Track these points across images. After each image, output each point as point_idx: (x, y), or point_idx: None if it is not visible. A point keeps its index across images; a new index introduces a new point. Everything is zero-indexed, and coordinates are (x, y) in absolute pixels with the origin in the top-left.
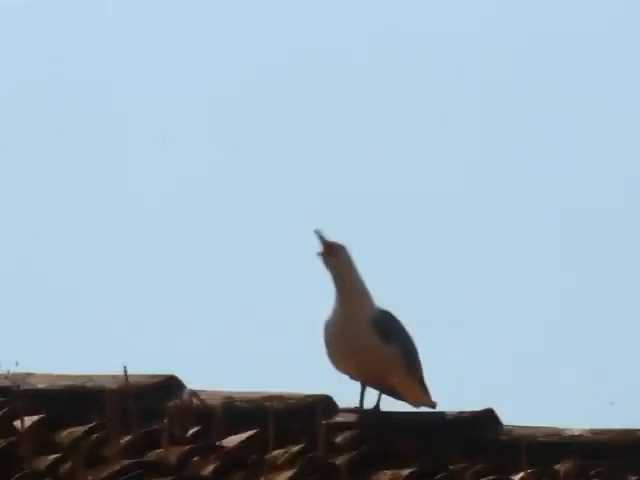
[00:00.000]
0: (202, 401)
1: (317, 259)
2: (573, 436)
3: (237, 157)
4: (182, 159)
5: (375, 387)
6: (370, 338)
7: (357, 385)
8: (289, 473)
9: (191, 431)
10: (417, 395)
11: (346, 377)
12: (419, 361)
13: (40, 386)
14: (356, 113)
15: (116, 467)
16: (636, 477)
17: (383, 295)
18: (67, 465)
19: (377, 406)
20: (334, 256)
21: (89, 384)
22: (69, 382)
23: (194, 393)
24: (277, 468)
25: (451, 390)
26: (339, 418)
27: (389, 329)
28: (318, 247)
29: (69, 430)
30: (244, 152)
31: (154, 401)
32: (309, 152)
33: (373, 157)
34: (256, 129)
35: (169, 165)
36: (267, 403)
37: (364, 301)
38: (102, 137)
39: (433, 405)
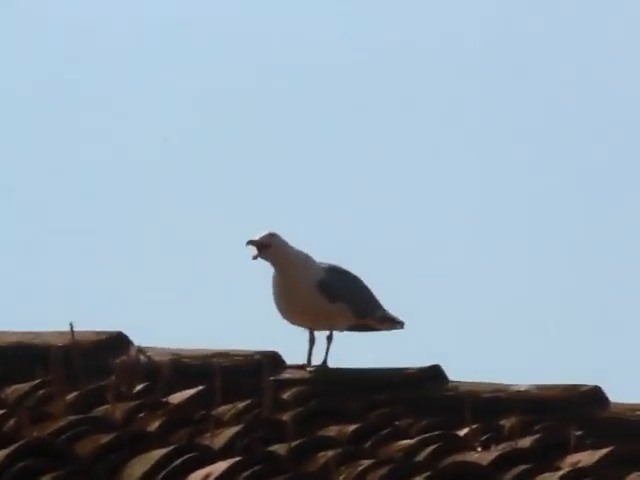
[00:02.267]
0: (149, 358)
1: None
2: (519, 392)
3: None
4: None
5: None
6: (318, 302)
7: (305, 342)
8: (235, 429)
9: (138, 388)
10: (382, 324)
11: (294, 334)
12: (373, 304)
13: None
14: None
15: (61, 423)
16: (580, 432)
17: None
18: (12, 421)
19: (325, 363)
20: (267, 248)
21: (35, 341)
22: (15, 339)
23: (141, 350)
24: (223, 424)
25: (400, 347)
26: (286, 375)
27: (334, 289)
28: (252, 252)
29: (15, 387)
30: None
31: (101, 358)
32: (310, 151)
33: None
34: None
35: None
36: (214, 360)
37: (306, 268)
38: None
39: (401, 325)
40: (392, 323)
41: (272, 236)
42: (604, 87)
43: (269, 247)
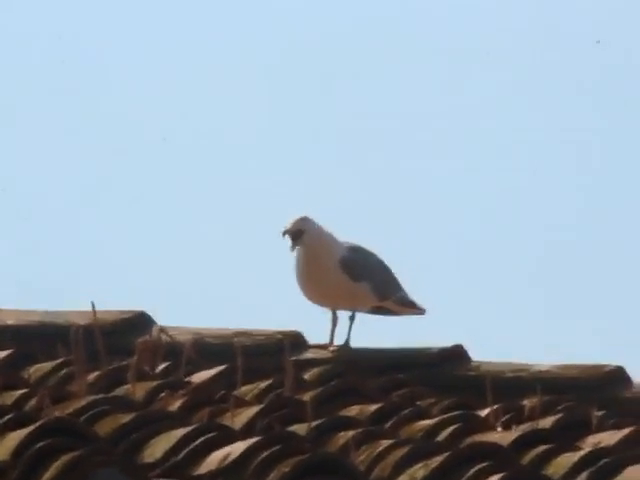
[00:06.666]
0: (171, 337)
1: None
2: (541, 372)
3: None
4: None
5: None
6: (340, 280)
7: (327, 322)
8: (256, 409)
9: (159, 367)
10: (401, 310)
11: (316, 314)
12: (395, 285)
13: (8, 322)
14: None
15: (82, 403)
16: (602, 412)
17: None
18: (33, 401)
19: (347, 342)
20: (302, 235)
21: (57, 320)
22: (37, 318)
23: (163, 329)
24: (244, 404)
25: (422, 326)
26: (308, 354)
27: (357, 268)
28: (288, 244)
29: (37, 366)
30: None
31: (123, 337)
32: (308, 152)
33: None
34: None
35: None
36: (236, 339)
37: (330, 246)
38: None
39: (422, 311)
40: (413, 308)
41: (304, 220)
42: None
43: (303, 233)
